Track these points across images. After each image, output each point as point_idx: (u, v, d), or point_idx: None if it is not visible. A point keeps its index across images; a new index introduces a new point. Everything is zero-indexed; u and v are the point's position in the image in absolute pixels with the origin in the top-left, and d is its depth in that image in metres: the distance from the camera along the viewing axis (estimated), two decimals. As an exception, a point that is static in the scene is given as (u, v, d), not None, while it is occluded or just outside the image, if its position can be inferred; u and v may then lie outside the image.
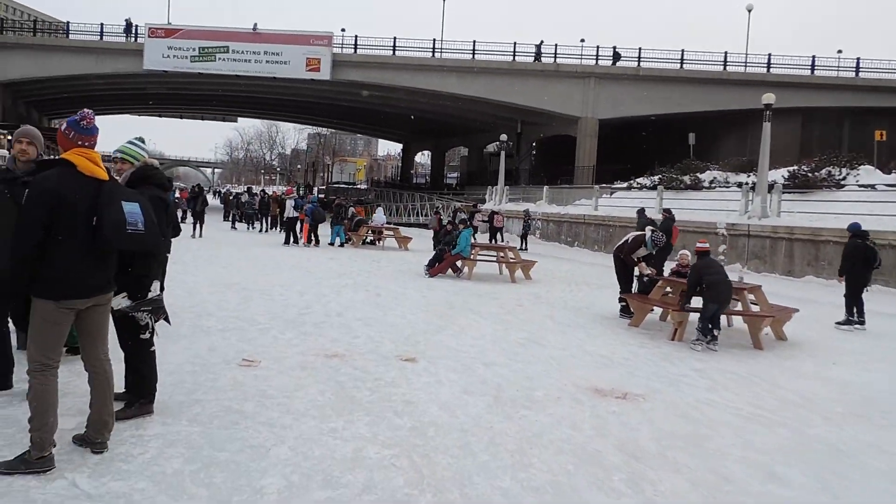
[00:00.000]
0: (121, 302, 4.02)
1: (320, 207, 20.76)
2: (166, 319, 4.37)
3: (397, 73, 37.98)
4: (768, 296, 8.96)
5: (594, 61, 37.98)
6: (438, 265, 13.39)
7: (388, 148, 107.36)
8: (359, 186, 74.23)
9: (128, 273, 4.03)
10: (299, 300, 9.38)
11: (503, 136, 35.29)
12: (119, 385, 4.38)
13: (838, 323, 9.56)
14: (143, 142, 4.40)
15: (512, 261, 13.79)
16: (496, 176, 34.58)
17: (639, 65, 37.57)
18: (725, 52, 37.43)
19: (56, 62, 37.92)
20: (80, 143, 3.43)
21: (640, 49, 37.70)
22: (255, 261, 14.51)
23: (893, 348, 8.39)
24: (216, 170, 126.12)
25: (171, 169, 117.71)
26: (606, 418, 4.81)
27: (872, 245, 9.62)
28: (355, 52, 39.01)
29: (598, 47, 38.18)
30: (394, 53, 38.63)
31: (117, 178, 4.29)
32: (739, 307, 8.51)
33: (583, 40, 39.17)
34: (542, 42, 38.57)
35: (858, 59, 37.17)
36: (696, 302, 7.82)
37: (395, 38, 38.77)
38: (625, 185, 28.02)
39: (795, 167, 20.61)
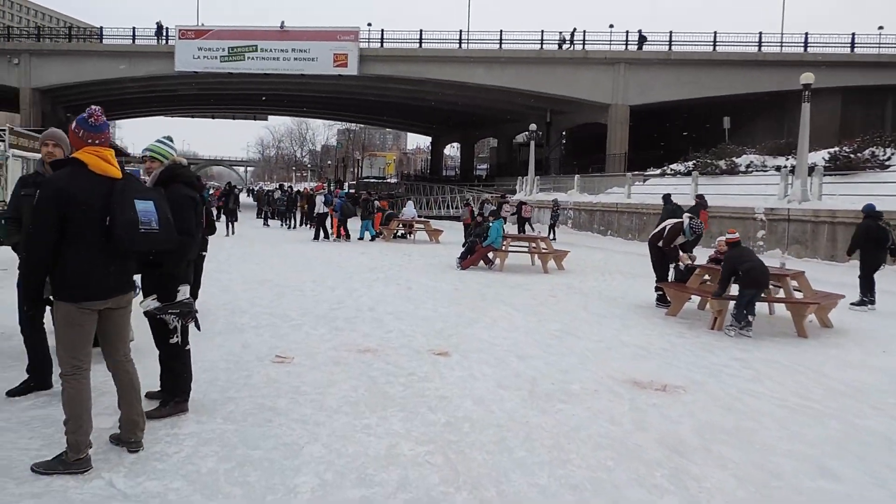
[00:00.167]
0: (149, 304, 4.03)
1: (349, 202, 20.85)
2: (196, 325, 4.28)
3: (424, 65, 37.85)
4: (811, 282, 8.66)
5: (623, 47, 37.31)
6: (470, 257, 13.30)
7: (418, 141, 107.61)
8: (389, 180, 74.47)
9: (156, 273, 4.03)
10: (331, 295, 9.39)
11: (532, 126, 34.92)
12: (155, 384, 4.42)
13: (853, 304, 9.39)
14: (171, 140, 4.39)
15: (544, 251, 13.62)
16: (526, 166, 34.31)
17: (670, 49, 36.74)
18: (760, 33, 36.32)
19: (91, 67, 38.75)
20: (90, 141, 3.37)
21: (670, 33, 36.86)
22: (287, 257, 14.61)
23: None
24: (249, 168, 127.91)
25: (204, 168, 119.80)
26: (646, 411, 4.67)
27: (885, 226, 9.60)
28: (382, 46, 39.00)
29: (627, 32, 37.47)
30: (420, 46, 38.50)
31: (146, 177, 4.31)
32: (782, 294, 8.25)
33: (611, 26, 38.47)
34: (574, 30, 38.08)
35: (901, 34, 35.80)
36: (735, 290, 7.61)
37: (421, 31, 38.65)
38: (658, 171, 27.51)
39: (836, 148, 19.95)
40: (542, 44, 38.06)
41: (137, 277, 4.65)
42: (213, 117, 71.15)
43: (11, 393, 4.53)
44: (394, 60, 38.22)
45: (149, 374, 4.65)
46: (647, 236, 11.02)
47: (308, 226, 24.33)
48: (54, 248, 3.24)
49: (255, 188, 57.68)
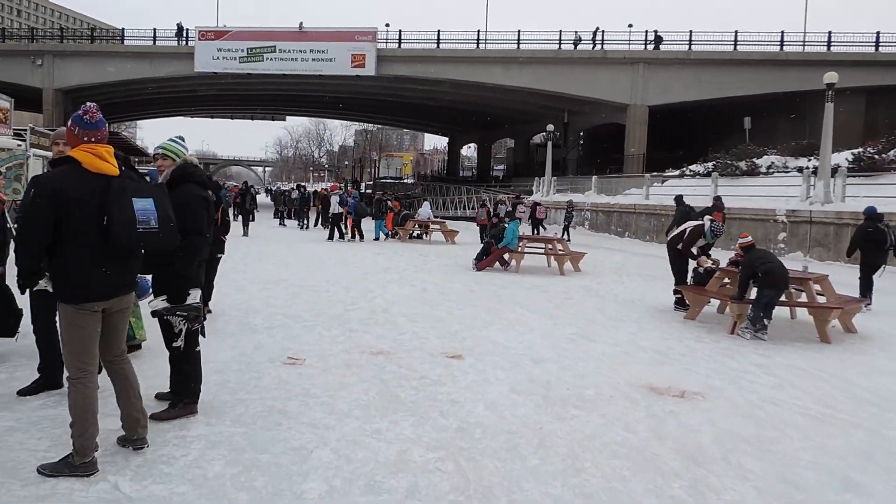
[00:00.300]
0: (158, 304, 3.99)
1: (362, 203, 20.86)
2: (202, 331, 4.22)
3: (442, 66, 37.81)
4: (834, 285, 8.45)
5: (643, 46, 36.98)
6: (486, 258, 13.21)
7: (435, 142, 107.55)
8: (405, 181, 74.50)
9: (167, 274, 4.00)
10: (345, 296, 9.35)
11: (550, 127, 34.69)
12: (166, 384, 4.39)
13: None
14: (183, 140, 4.36)
15: (561, 253, 13.49)
16: (543, 167, 34.10)
17: (690, 48, 36.34)
18: (782, 32, 35.80)
19: (113, 68, 39.23)
20: (85, 138, 3.31)
21: (690, 32, 36.47)
22: (303, 257, 14.62)
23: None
24: (267, 168, 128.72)
25: (223, 168, 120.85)
26: (663, 419, 4.55)
27: (884, 228, 9.73)
28: (399, 46, 39.02)
29: (646, 32, 37.20)
30: (438, 46, 38.47)
31: (158, 175, 4.27)
32: (804, 298, 8.06)
33: (630, 25, 38.19)
34: (597, 29, 37.78)
35: (928, 33, 35.04)
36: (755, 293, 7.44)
37: (438, 31, 38.64)
38: (677, 172, 27.21)
39: (860, 149, 19.56)
40: (560, 43, 37.85)
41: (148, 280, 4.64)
42: (231, 117, 71.81)
43: (23, 392, 4.53)
44: (411, 61, 38.23)
45: (160, 374, 4.63)
46: (665, 238, 10.85)
47: (323, 226, 24.38)
48: (46, 246, 3.20)
49: (273, 188, 58.00)
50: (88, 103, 3.41)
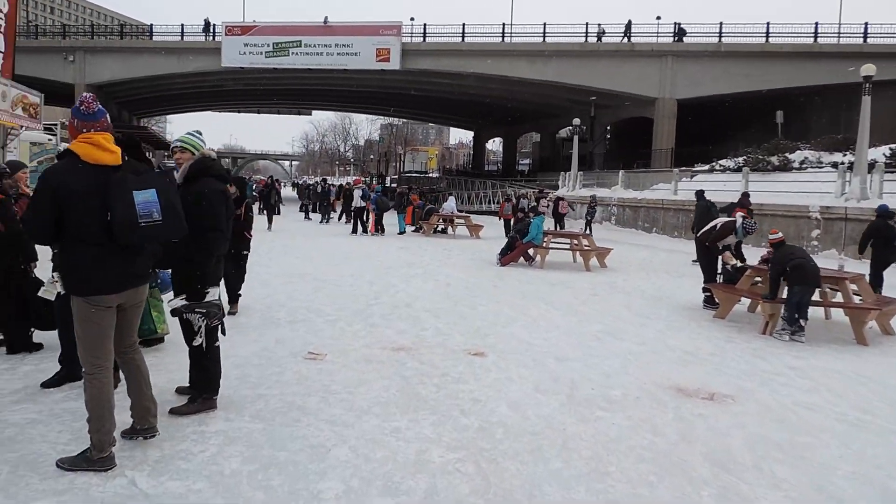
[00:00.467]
0: (177, 302, 3.96)
1: (384, 197, 20.84)
2: (222, 329, 4.19)
3: (467, 59, 37.57)
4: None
5: (671, 39, 36.30)
6: (510, 254, 13.07)
7: (460, 136, 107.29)
8: (431, 175, 74.45)
9: (186, 271, 3.97)
10: (368, 290, 9.30)
11: (576, 121, 34.30)
12: (186, 379, 4.37)
13: None
14: (201, 134, 4.33)
15: (586, 248, 13.29)
16: (569, 161, 33.71)
17: (720, 40, 35.59)
18: (816, 23, 34.84)
19: (142, 64, 39.74)
20: (84, 129, 3.27)
21: (720, 24, 35.69)
22: (326, 251, 14.63)
23: None
24: (293, 162, 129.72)
25: (251, 162, 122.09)
26: (692, 422, 4.40)
27: (894, 225, 9.77)
28: (424, 40, 38.87)
29: (675, 24, 36.45)
30: (463, 40, 38.24)
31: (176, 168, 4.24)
32: (839, 298, 7.79)
33: (658, 18, 37.48)
34: (629, 23, 37.13)
35: (971, 23, 33.86)
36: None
37: (463, 25, 38.41)
38: (706, 167, 26.65)
39: (899, 144, 18.96)
40: (586, 36, 37.34)
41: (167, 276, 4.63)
42: (258, 112, 72.51)
43: (46, 384, 4.55)
44: (436, 54, 38.05)
45: (182, 368, 4.62)
46: (693, 234, 10.60)
47: (343, 220, 24.42)
48: (52, 240, 3.21)
49: (300, 182, 58.41)
50: (85, 94, 3.39)
